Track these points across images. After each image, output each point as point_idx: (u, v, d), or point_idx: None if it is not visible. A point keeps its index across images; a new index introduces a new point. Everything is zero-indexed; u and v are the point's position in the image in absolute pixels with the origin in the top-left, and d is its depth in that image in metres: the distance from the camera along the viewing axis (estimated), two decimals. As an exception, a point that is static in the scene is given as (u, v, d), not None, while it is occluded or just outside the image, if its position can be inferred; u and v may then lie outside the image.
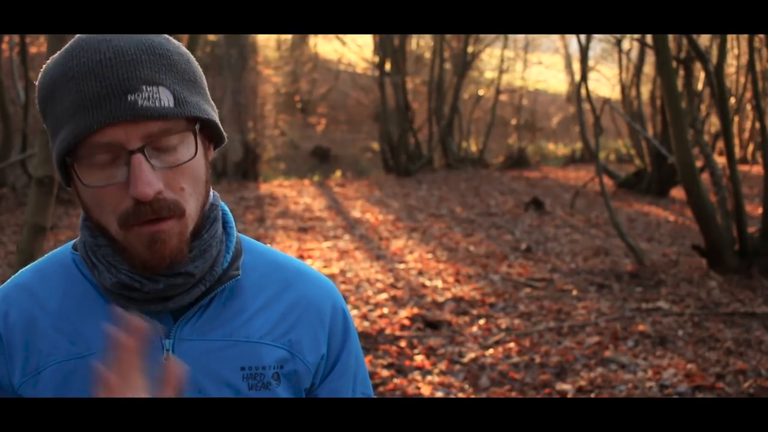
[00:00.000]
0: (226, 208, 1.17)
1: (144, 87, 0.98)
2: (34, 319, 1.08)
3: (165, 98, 1.00)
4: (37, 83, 1.06)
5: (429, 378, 4.62)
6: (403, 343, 5.23)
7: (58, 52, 1.04)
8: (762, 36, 11.18)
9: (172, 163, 1.01)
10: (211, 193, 1.14)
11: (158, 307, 1.06)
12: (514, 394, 4.41)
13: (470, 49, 19.11)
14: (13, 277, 1.16)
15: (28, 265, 1.17)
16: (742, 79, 17.12)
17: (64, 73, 1.01)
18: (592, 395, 4.33)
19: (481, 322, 5.78)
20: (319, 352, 1.16)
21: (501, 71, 22.85)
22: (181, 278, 1.05)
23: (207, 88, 1.11)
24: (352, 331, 1.22)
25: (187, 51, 1.08)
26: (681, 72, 9.35)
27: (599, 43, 22.70)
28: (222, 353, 1.09)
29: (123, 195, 0.99)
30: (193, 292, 1.07)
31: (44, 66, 1.05)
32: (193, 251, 1.07)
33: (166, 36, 1.07)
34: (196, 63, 1.09)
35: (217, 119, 1.09)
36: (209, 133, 1.10)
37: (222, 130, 1.11)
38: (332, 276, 7.28)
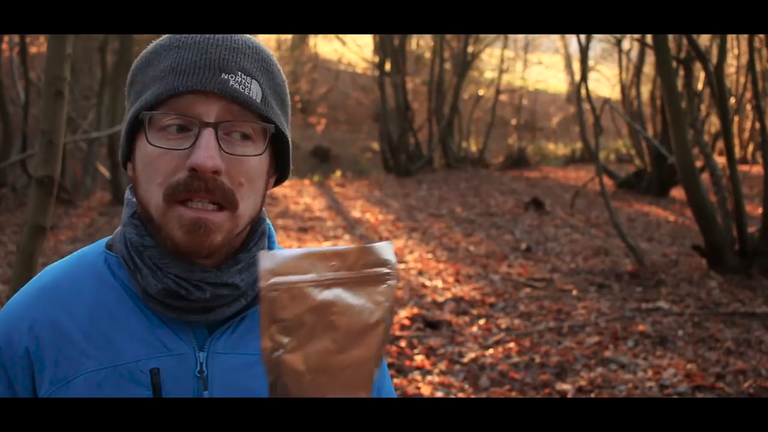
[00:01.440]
0: (270, 223, 1.17)
1: (240, 73, 1.01)
2: (61, 326, 1.03)
3: (255, 91, 1.02)
4: (134, 62, 1.08)
5: (429, 378, 4.62)
6: (403, 343, 5.23)
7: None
8: (762, 36, 11.19)
9: (239, 152, 1.01)
10: None
11: (198, 317, 1.04)
12: (514, 394, 4.41)
13: (470, 49, 19.11)
14: (37, 277, 1.11)
15: (55, 264, 1.12)
16: (742, 79, 17.13)
17: (167, 43, 1.04)
18: (592, 395, 4.33)
19: (481, 322, 5.78)
20: None
21: (501, 71, 22.85)
22: (227, 289, 1.04)
23: (289, 122, 1.13)
24: None
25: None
26: (681, 72, 9.35)
27: (599, 43, 22.70)
28: (254, 368, 1.06)
29: (179, 165, 0.99)
30: (234, 305, 1.06)
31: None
32: (240, 263, 1.06)
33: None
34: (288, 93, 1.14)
35: (290, 148, 1.11)
36: (276, 160, 1.11)
37: (290, 167, 1.13)
38: (332, 276, 7.27)
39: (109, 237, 1.13)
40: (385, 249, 0.91)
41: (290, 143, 1.11)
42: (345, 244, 9.09)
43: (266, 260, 0.87)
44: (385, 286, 0.89)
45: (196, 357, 1.04)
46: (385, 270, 0.90)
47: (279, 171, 1.14)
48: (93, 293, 1.06)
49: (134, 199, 1.08)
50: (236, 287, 1.05)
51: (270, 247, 1.14)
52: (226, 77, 1.00)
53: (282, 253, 0.88)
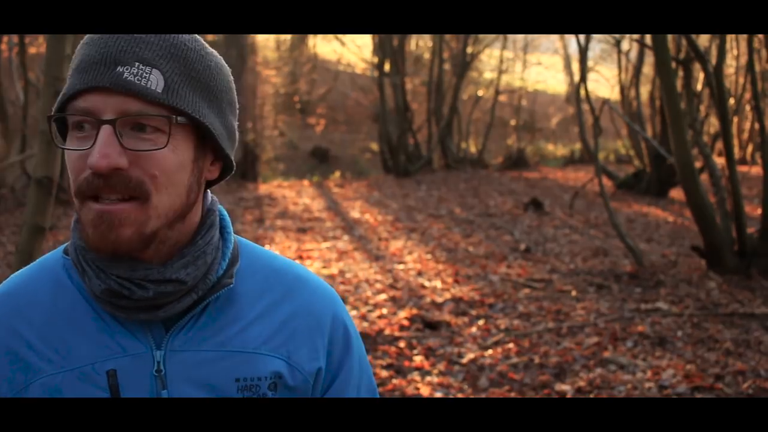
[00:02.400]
0: (225, 212, 1.14)
1: (137, 64, 0.98)
2: (19, 332, 1.04)
3: (155, 81, 0.98)
4: None
5: (428, 378, 4.62)
6: (402, 344, 5.22)
7: None
8: (761, 36, 11.19)
9: (143, 148, 0.97)
10: (209, 197, 1.12)
11: (148, 315, 1.02)
12: (513, 395, 4.41)
13: (469, 50, 19.11)
14: (1, 285, 1.12)
15: (17, 272, 1.13)
16: (741, 80, 17.13)
17: (83, 41, 1.03)
18: (591, 396, 4.33)
19: (480, 322, 5.78)
20: (317, 363, 1.12)
21: (500, 72, 22.86)
22: (171, 285, 1.02)
23: (228, 105, 1.08)
24: (354, 343, 1.18)
25: (219, 62, 1.07)
26: (680, 72, 9.35)
27: (598, 43, 22.72)
28: (216, 364, 1.05)
29: (84, 165, 0.97)
30: (184, 300, 1.03)
31: None
32: (185, 257, 1.04)
33: (197, 37, 1.06)
34: (225, 77, 1.08)
35: (217, 131, 1.05)
36: (211, 146, 1.06)
37: (230, 156, 1.08)
38: (331, 277, 7.28)
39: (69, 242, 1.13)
40: None
41: (216, 130, 1.05)
42: (344, 244, 9.09)
43: None
44: None
45: (153, 356, 1.03)
46: None
47: (222, 160, 1.09)
48: (49, 298, 1.06)
49: None
50: (181, 282, 1.02)
51: (224, 238, 1.11)
52: (120, 70, 0.96)
53: None
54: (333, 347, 1.14)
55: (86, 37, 1.03)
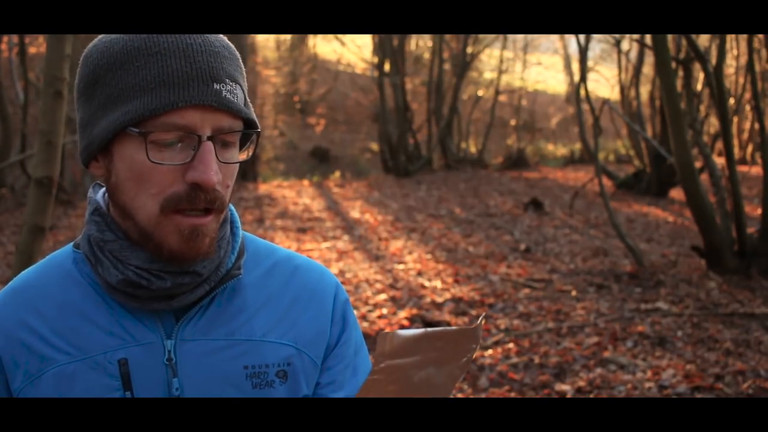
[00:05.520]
0: (233, 208, 1.18)
1: (228, 80, 1.01)
2: (30, 325, 1.07)
3: (240, 97, 1.03)
4: (91, 54, 1.04)
5: (428, 378, 4.62)
6: (402, 344, 5.22)
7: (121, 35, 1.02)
8: (761, 36, 11.19)
9: (228, 160, 1.03)
10: None
11: (161, 305, 1.05)
12: (513, 395, 4.41)
13: (469, 50, 19.13)
14: (12, 281, 1.15)
15: (29, 268, 1.16)
16: (741, 80, 17.14)
17: (145, 47, 1.00)
18: (591, 396, 4.33)
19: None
20: (324, 342, 1.17)
21: (500, 72, 22.87)
22: (188, 277, 1.05)
23: None
24: (351, 320, 1.23)
25: None
26: (680, 72, 9.36)
27: (598, 43, 22.74)
28: (224, 353, 1.08)
29: (176, 178, 0.99)
30: (197, 291, 1.07)
31: (102, 40, 1.04)
32: None
33: None
34: None
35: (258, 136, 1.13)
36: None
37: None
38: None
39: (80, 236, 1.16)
40: (480, 327, 0.95)
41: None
42: (344, 244, 9.09)
43: (384, 343, 0.90)
44: (465, 360, 0.92)
45: (164, 345, 1.06)
46: (474, 346, 0.93)
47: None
48: (60, 291, 1.09)
49: (95, 197, 1.12)
50: (198, 275, 1.06)
51: (233, 232, 1.15)
52: (218, 87, 1.00)
53: (402, 335, 0.91)
54: (334, 323, 1.19)
55: (141, 40, 1.00)
